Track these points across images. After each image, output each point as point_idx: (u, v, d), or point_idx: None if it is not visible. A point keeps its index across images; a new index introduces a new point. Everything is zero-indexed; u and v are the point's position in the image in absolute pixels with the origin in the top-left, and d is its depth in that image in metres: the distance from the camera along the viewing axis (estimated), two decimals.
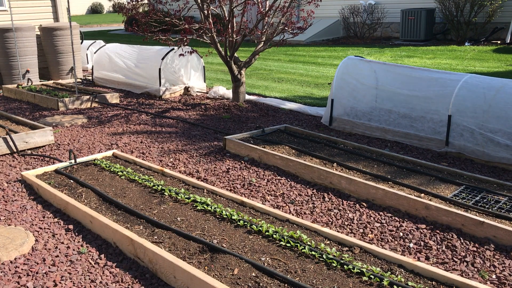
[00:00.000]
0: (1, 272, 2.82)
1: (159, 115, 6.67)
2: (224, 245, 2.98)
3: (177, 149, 5.18)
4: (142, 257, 2.89)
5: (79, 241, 3.20)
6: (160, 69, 7.73)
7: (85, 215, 3.36)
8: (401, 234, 3.30)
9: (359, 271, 2.68)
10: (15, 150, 5.01)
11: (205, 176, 4.39)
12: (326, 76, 9.55)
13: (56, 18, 9.92)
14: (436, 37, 13.89)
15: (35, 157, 4.94)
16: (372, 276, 2.62)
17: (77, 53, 9.29)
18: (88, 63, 11.03)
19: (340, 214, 3.62)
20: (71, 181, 4.08)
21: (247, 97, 7.54)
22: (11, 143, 4.99)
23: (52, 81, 8.92)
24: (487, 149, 4.57)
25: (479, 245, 3.13)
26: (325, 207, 3.74)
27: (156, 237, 3.08)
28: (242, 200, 3.63)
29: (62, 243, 3.18)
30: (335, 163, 4.44)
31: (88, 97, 7.29)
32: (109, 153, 4.80)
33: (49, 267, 2.88)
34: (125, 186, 3.96)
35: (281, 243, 2.97)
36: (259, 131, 5.41)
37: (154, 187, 3.88)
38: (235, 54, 6.91)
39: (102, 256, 3.01)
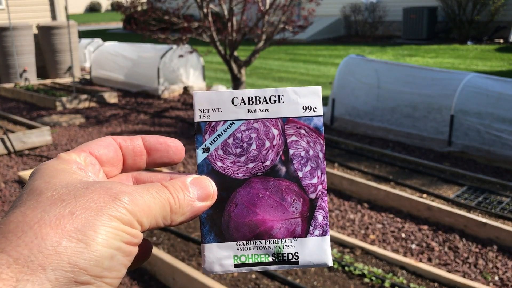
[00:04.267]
0: None
1: (158, 114, 6.62)
2: None
3: None
4: None
5: None
6: (158, 68, 7.67)
7: None
8: (403, 235, 3.25)
9: (361, 272, 2.63)
10: (12, 150, 4.96)
11: None
12: (327, 75, 9.50)
13: (53, 17, 9.87)
14: (438, 35, 13.83)
15: (33, 157, 4.89)
16: (374, 278, 2.58)
17: (75, 52, 9.23)
18: (86, 62, 10.97)
19: (341, 215, 3.57)
20: None
21: None
22: (8, 143, 4.95)
23: (49, 80, 8.86)
24: (494, 147, 4.52)
25: (482, 246, 3.09)
26: None
27: (155, 238, 3.03)
28: None
29: None
30: (336, 164, 4.39)
31: (86, 96, 7.23)
32: None
33: None
34: None
35: None
36: None
37: None
38: (235, 53, 6.86)
39: None
